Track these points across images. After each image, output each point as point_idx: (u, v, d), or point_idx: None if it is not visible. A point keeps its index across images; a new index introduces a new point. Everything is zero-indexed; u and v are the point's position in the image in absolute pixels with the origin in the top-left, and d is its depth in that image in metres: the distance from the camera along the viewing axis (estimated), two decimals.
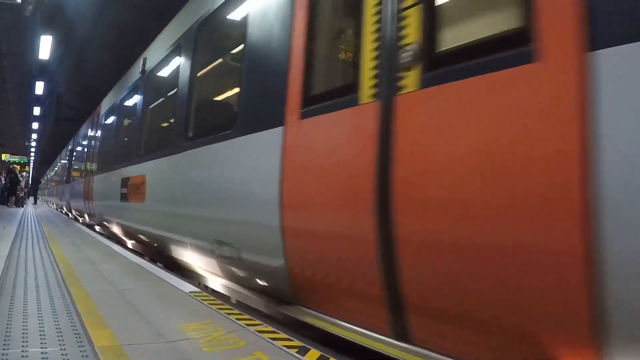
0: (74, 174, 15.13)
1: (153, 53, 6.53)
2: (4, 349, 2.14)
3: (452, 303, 2.02)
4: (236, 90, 4.48)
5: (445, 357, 2.09)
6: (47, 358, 2.06)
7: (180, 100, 4.90)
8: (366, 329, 2.48)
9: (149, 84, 6.69)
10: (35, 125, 31.57)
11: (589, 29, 1.57)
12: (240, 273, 3.70)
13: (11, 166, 25.52)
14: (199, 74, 4.81)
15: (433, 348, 2.18)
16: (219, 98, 5.62)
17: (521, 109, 1.73)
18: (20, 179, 23.72)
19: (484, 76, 1.86)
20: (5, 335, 2.32)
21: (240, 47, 3.95)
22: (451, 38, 2.22)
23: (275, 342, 2.37)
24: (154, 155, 5.61)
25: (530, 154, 1.69)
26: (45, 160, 43.36)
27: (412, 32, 2.20)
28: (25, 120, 30.23)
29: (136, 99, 7.22)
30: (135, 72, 7.51)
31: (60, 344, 2.24)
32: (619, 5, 1.52)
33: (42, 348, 2.18)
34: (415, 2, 2.21)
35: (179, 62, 5.21)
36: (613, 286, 1.52)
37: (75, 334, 2.43)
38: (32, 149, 46.96)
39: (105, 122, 10.09)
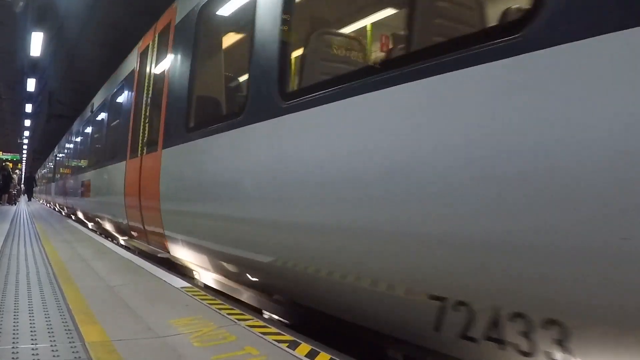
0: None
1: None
2: None
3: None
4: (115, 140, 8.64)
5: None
6: (37, 354, 2.07)
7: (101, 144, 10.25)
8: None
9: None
10: (27, 123, 31.29)
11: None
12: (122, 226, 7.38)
13: (4, 164, 25.33)
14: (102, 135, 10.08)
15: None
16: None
17: (155, 166, 5.38)
18: (14, 176, 23.56)
19: (149, 154, 5.79)
20: None
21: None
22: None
23: (265, 337, 2.39)
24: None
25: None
26: (38, 157, 43.06)
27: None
28: (17, 118, 29.95)
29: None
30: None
31: (50, 340, 2.25)
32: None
33: (32, 344, 2.18)
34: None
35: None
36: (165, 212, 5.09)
37: (66, 330, 2.43)
38: (25, 146, 46.64)
39: None
